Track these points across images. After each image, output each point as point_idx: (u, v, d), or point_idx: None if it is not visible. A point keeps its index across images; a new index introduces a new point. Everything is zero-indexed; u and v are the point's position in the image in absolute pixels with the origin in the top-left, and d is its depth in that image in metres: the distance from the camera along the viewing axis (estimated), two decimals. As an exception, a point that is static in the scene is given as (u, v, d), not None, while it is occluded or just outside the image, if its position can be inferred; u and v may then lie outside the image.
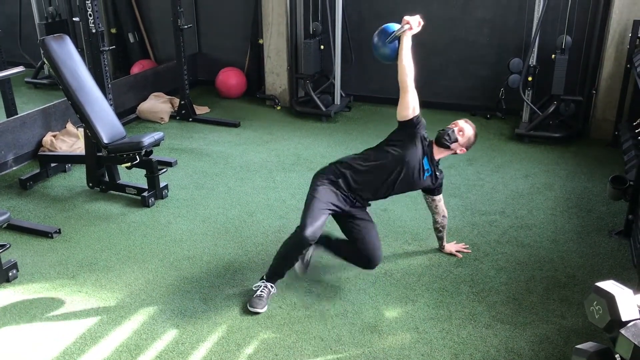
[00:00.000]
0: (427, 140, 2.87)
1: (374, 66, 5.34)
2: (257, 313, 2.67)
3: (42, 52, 3.62)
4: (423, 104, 5.25)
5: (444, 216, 3.10)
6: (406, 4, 5.30)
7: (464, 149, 2.93)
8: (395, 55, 2.78)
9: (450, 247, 3.20)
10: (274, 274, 2.78)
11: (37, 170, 4.08)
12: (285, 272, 2.78)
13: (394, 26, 2.77)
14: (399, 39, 2.76)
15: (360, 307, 2.73)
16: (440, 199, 3.05)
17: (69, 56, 3.65)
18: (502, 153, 4.57)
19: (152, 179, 3.75)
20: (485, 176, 4.17)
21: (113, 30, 6.31)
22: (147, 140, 3.60)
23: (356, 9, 5.45)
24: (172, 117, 5.36)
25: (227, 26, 6.06)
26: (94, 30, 3.92)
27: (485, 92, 5.33)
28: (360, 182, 2.79)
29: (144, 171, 3.78)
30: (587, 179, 4.10)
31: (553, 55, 4.64)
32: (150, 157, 3.74)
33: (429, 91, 5.51)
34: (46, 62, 3.65)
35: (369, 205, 2.92)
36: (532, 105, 4.80)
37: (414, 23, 2.75)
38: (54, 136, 4.47)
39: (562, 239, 3.33)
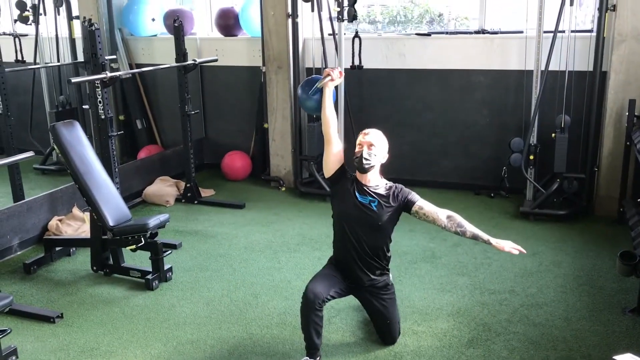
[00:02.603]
0: (351, 176, 2.83)
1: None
2: None
3: (51, 138, 3.71)
4: (425, 184, 5.42)
5: (448, 217, 2.74)
6: (405, 88, 5.48)
7: (387, 155, 2.83)
8: (319, 107, 2.86)
9: (503, 242, 2.71)
10: (308, 347, 2.72)
11: (42, 255, 4.07)
12: (314, 340, 2.69)
13: (318, 78, 2.87)
14: (321, 90, 2.84)
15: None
16: (425, 204, 2.77)
17: (78, 141, 3.74)
18: (507, 231, 4.55)
19: (157, 261, 3.72)
20: (493, 254, 4.13)
21: (121, 117, 6.49)
22: (153, 222, 3.61)
23: (358, 94, 5.61)
24: (178, 200, 5.40)
25: (233, 112, 6.22)
26: (103, 117, 4.03)
27: (487, 171, 5.38)
28: (339, 260, 2.84)
29: (148, 253, 3.76)
30: (595, 256, 4.05)
31: (553, 134, 4.72)
32: (155, 239, 3.74)
33: (431, 171, 5.59)
34: (55, 147, 3.73)
35: (376, 281, 2.86)
36: (535, 184, 4.83)
37: (335, 74, 2.82)
38: (60, 220, 4.49)
39: (574, 317, 3.25)
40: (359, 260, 2.77)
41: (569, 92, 4.76)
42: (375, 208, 2.72)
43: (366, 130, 2.83)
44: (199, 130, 6.26)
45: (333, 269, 2.87)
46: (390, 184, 2.83)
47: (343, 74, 2.87)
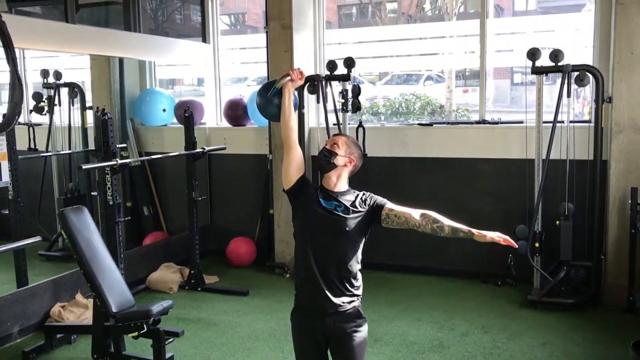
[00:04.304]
0: (316, 185, 2.63)
1: (383, 232, 5.41)
2: None
3: (59, 223, 3.75)
4: (432, 272, 5.38)
5: (422, 214, 2.49)
6: (409, 176, 5.56)
7: (354, 159, 2.60)
8: (280, 112, 2.62)
9: (484, 232, 2.45)
10: None
11: (42, 342, 4.00)
12: None
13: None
14: (281, 92, 2.60)
15: None
16: (395, 206, 2.55)
17: (86, 227, 3.77)
18: (516, 320, 4.47)
19: (159, 349, 3.64)
20: (502, 344, 4.04)
21: (128, 204, 6.54)
22: (156, 308, 3.57)
23: (363, 181, 5.64)
24: (182, 286, 5.36)
25: (239, 198, 6.30)
26: (111, 202, 4.09)
27: (493, 259, 5.35)
28: (301, 292, 2.57)
29: (150, 341, 3.69)
30: (607, 346, 3.96)
31: (557, 222, 4.74)
32: (157, 326, 3.68)
33: (436, 259, 5.57)
34: (63, 232, 3.76)
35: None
36: (542, 271, 4.79)
37: (295, 74, 2.60)
38: (63, 307, 4.45)
39: (589, 411, 3.13)
40: (324, 282, 2.46)
41: (571, 180, 4.82)
42: (340, 212, 2.50)
43: (335, 133, 2.70)
44: (204, 216, 6.30)
45: (302, 337, 2.58)
46: (359, 192, 2.62)
47: (304, 74, 2.66)
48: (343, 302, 2.49)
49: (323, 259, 2.48)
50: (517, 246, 2.48)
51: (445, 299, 4.96)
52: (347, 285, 2.51)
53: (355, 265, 2.55)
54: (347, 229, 2.48)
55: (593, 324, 4.37)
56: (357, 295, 2.56)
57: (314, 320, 2.52)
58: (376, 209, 2.54)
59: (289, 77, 2.59)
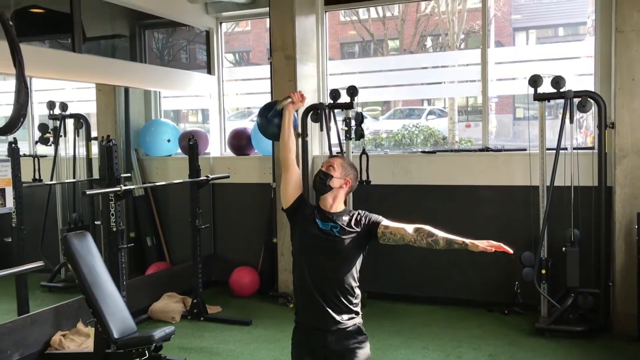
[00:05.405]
0: (313, 205, 2.69)
1: (388, 262, 5.39)
2: None
3: (62, 248, 3.74)
4: (435, 301, 5.30)
5: (416, 229, 2.53)
6: (412, 203, 5.55)
7: (349, 180, 2.65)
8: (279, 131, 2.70)
9: (477, 242, 2.43)
10: None
11: (41, 371, 3.94)
12: None
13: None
14: (281, 114, 2.68)
15: None
16: (390, 222, 2.60)
17: (88, 251, 3.76)
18: (524, 349, 4.39)
19: (160, 376, 3.60)
20: (509, 372, 3.96)
21: (132, 234, 6.52)
22: (158, 334, 3.53)
23: (366, 208, 5.64)
24: (184, 316, 5.29)
25: (242, 227, 6.28)
26: (114, 229, 4.08)
27: (499, 287, 5.29)
28: (301, 312, 2.60)
29: (151, 369, 3.64)
30: (618, 374, 3.88)
31: (564, 248, 4.69)
32: (159, 352, 3.63)
33: (441, 288, 5.51)
34: (65, 257, 3.74)
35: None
36: (549, 299, 4.72)
37: (296, 97, 2.68)
38: (64, 335, 4.39)
39: None
40: (323, 299, 2.50)
41: (576, 206, 4.79)
42: (337, 233, 2.55)
43: (332, 155, 2.80)
44: (208, 246, 6.27)
45: (302, 355, 2.58)
46: (354, 211, 2.67)
47: (306, 97, 2.74)
48: (343, 319, 2.52)
49: (320, 279, 2.53)
50: (511, 252, 2.47)
51: (450, 327, 4.88)
52: (346, 302, 2.54)
53: (353, 283, 2.58)
54: (343, 249, 2.54)
55: (602, 352, 4.29)
56: (357, 312, 2.59)
57: (314, 338, 2.53)
58: (372, 227, 2.59)
59: (290, 99, 2.67)
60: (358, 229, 2.58)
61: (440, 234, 2.51)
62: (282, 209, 2.70)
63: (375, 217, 2.63)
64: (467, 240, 2.45)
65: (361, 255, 2.62)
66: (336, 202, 2.64)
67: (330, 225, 2.56)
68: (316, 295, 2.51)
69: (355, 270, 2.59)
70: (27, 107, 1.34)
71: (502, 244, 2.44)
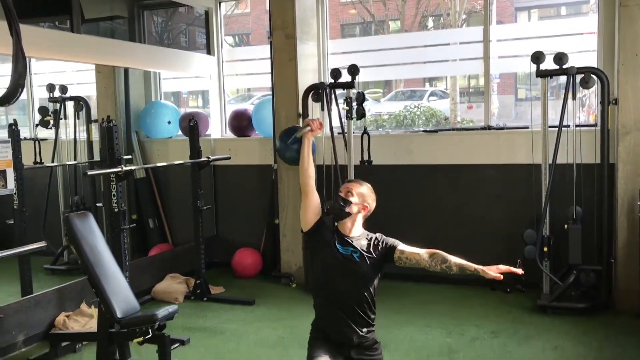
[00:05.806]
0: (332, 227, 2.77)
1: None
2: None
3: (64, 228, 3.73)
4: (440, 280, 5.31)
5: (431, 255, 2.60)
6: (414, 183, 5.54)
7: (368, 204, 2.76)
8: (299, 157, 2.81)
9: (487, 268, 2.55)
10: None
11: (47, 351, 3.96)
12: None
13: (297, 128, 2.84)
14: (300, 140, 2.79)
15: None
16: (406, 247, 2.68)
17: (90, 231, 3.75)
18: (526, 325, 4.40)
19: (164, 354, 3.60)
20: (513, 349, 3.98)
21: (134, 216, 6.52)
22: (161, 313, 3.52)
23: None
24: (187, 297, 5.31)
25: (244, 209, 6.28)
26: (116, 210, 4.08)
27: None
28: (324, 320, 2.73)
29: (155, 349, 3.64)
30: (621, 350, 3.90)
31: (566, 225, 4.69)
32: (162, 331, 3.63)
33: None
34: (67, 238, 3.74)
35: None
36: (551, 276, 4.72)
37: (315, 125, 2.79)
38: (68, 316, 4.41)
39: (604, 411, 3.06)
40: (345, 315, 2.65)
41: (578, 184, 4.78)
42: (357, 259, 2.67)
43: (349, 179, 2.87)
44: (210, 227, 6.27)
45: (323, 350, 2.68)
46: (371, 234, 2.77)
47: (323, 125, 2.83)
48: (364, 334, 2.68)
49: (342, 300, 2.67)
50: (521, 272, 2.61)
51: (453, 306, 4.89)
52: (367, 317, 2.70)
53: (373, 298, 2.73)
54: (363, 273, 2.67)
55: (604, 328, 4.29)
56: (374, 325, 2.76)
57: (337, 346, 2.68)
58: (389, 251, 2.69)
59: (308, 128, 2.79)
60: (377, 255, 2.68)
61: (454, 259, 2.61)
62: (302, 232, 2.80)
63: (392, 241, 2.72)
64: (479, 267, 2.57)
65: (379, 275, 2.74)
66: (354, 226, 2.74)
67: (350, 250, 2.68)
68: (340, 313, 2.65)
69: (373, 288, 2.72)
70: (25, 76, 1.32)
71: (510, 267, 2.58)
